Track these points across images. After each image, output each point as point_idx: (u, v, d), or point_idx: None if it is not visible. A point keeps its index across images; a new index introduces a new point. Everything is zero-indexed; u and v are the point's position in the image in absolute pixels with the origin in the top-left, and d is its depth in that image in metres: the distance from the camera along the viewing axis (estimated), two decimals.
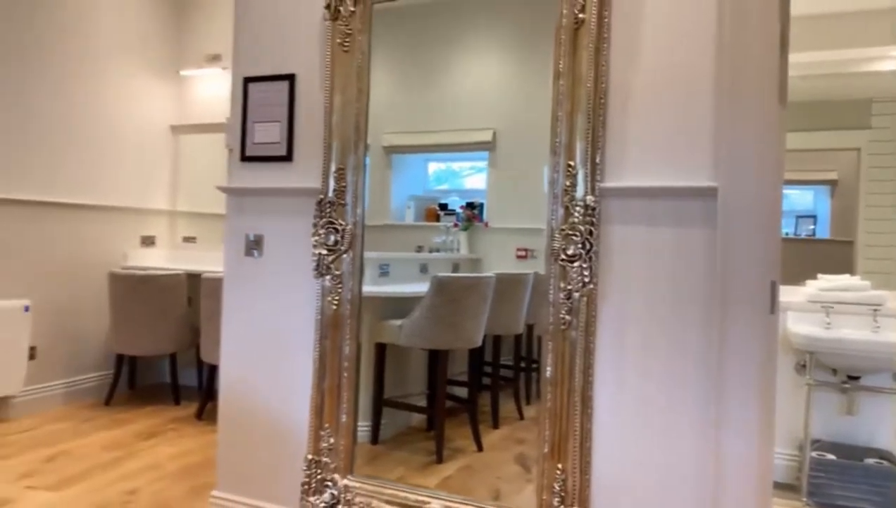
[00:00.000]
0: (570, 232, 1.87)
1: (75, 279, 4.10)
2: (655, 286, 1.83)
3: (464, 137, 2.83)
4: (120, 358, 4.10)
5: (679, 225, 1.81)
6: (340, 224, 2.22)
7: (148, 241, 4.62)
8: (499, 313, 2.63)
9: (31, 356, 3.82)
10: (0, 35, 3.64)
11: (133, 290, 3.93)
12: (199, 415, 3.84)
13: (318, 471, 2.19)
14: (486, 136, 2.77)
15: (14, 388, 3.64)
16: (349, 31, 2.21)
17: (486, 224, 2.74)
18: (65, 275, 4.03)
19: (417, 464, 2.45)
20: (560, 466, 1.86)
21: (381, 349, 2.58)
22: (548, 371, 1.89)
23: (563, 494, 1.85)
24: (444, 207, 2.96)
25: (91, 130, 4.19)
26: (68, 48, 4.02)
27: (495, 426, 2.65)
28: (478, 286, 2.58)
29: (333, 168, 2.23)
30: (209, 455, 3.18)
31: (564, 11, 1.89)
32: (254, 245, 2.42)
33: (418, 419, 2.73)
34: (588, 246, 1.85)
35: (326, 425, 2.19)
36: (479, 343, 2.61)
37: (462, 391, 2.67)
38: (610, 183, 1.87)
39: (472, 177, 2.97)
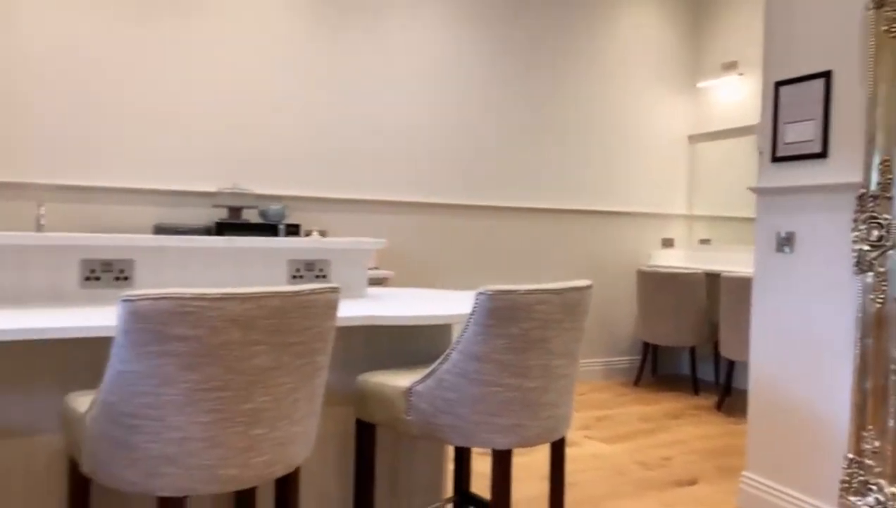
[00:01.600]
0: None
1: (609, 274, 4.88)
2: None
3: None
4: (646, 346, 4.68)
5: None
6: (885, 218, 2.11)
7: (667, 243, 5.10)
8: None
9: None
10: (534, 53, 4.66)
11: (657, 286, 4.43)
12: (719, 406, 4.06)
13: (860, 472, 2.13)
14: None
15: None
16: None
17: None
18: (602, 270, 4.85)
19: None
20: None
21: None
22: None
23: None
24: None
25: (617, 143, 4.91)
26: (594, 66, 4.82)
27: None
28: None
29: (877, 161, 2.13)
30: (732, 442, 3.37)
31: None
32: (785, 242, 2.50)
33: None
34: None
35: (869, 426, 2.11)
36: None
37: None
38: None
39: None
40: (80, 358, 1.64)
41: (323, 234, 3.90)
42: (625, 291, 4.94)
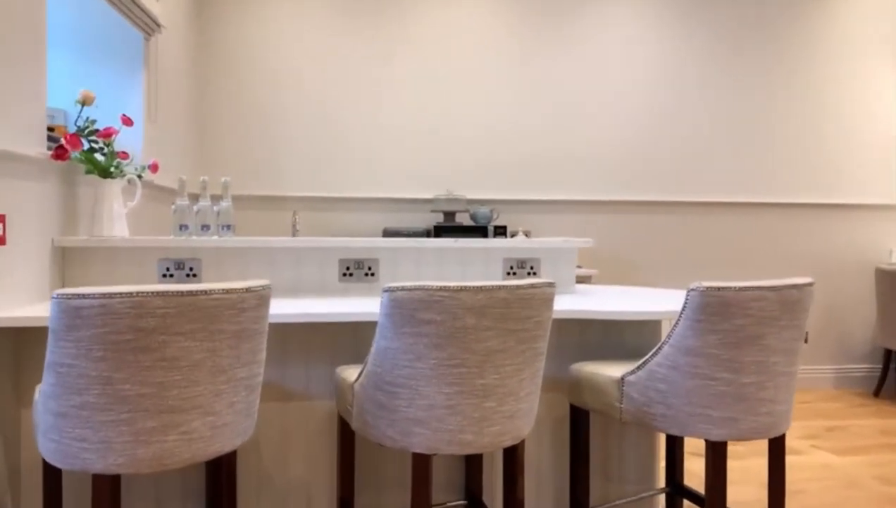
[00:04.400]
0: None
1: (840, 273, 4.41)
2: None
3: None
4: (888, 353, 4.16)
5: None
6: None
7: None
8: None
9: (804, 340, 4.37)
10: (754, 44, 4.34)
11: None
12: None
13: None
14: None
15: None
16: None
17: None
18: (830, 268, 4.41)
19: None
20: None
21: None
22: None
23: None
24: None
25: (847, 128, 4.42)
26: (816, 45, 4.38)
27: None
28: None
29: None
30: None
31: None
32: None
33: None
34: None
35: None
36: None
37: None
38: None
39: None
40: (344, 338, 2.01)
41: (527, 234, 4.10)
42: (860, 292, 4.43)
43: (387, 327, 1.47)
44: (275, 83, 4.02)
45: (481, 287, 1.44)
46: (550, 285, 1.56)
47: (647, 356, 1.67)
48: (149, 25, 2.83)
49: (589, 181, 4.25)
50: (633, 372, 1.69)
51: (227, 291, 1.39)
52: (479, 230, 3.90)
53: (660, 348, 1.64)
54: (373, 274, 2.22)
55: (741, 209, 4.33)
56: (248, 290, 1.43)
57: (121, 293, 1.28)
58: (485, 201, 4.15)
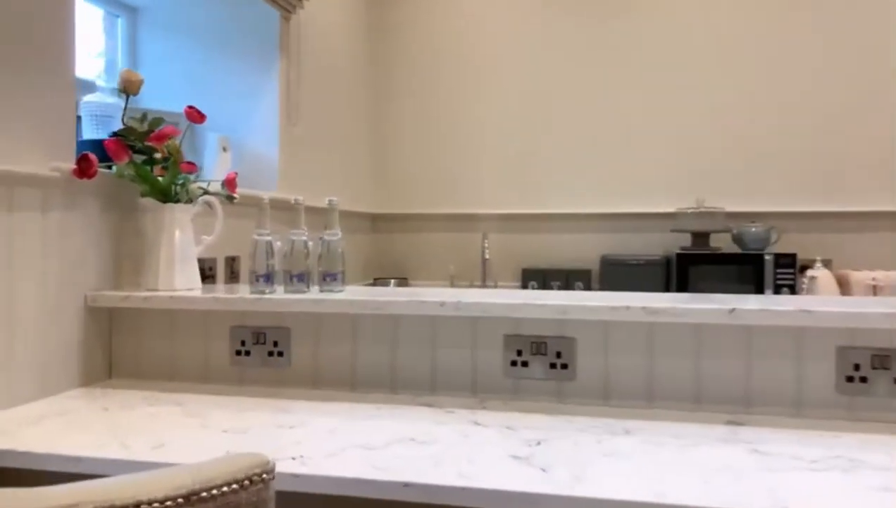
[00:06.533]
0: None
1: None
2: None
3: None
4: None
5: None
6: None
7: None
8: None
9: None
10: None
11: None
12: None
13: None
14: None
15: None
16: None
17: None
18: None
19: None
20: None
21: None
22: None
23: None
24: None
25: None
26: None
27: None
28: None
29: None
30: None
31: None
32: None
33: None
34: None
35: None
36: None
37: None
38: None
39: None
40: None
41: (827, 264, 2.70)
42: None
43: None
44: (465, 74, 3.19)
45: None
46: None
47: None
48: (287, 0, 2.17)
49: None
50: None
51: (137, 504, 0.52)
52: (749, 261, 2.63)
53: None
54: (565, 366, 1.21)
55: None
56: (192, 499, 0.54)
57: None
58: (753, 215, 2.84)
